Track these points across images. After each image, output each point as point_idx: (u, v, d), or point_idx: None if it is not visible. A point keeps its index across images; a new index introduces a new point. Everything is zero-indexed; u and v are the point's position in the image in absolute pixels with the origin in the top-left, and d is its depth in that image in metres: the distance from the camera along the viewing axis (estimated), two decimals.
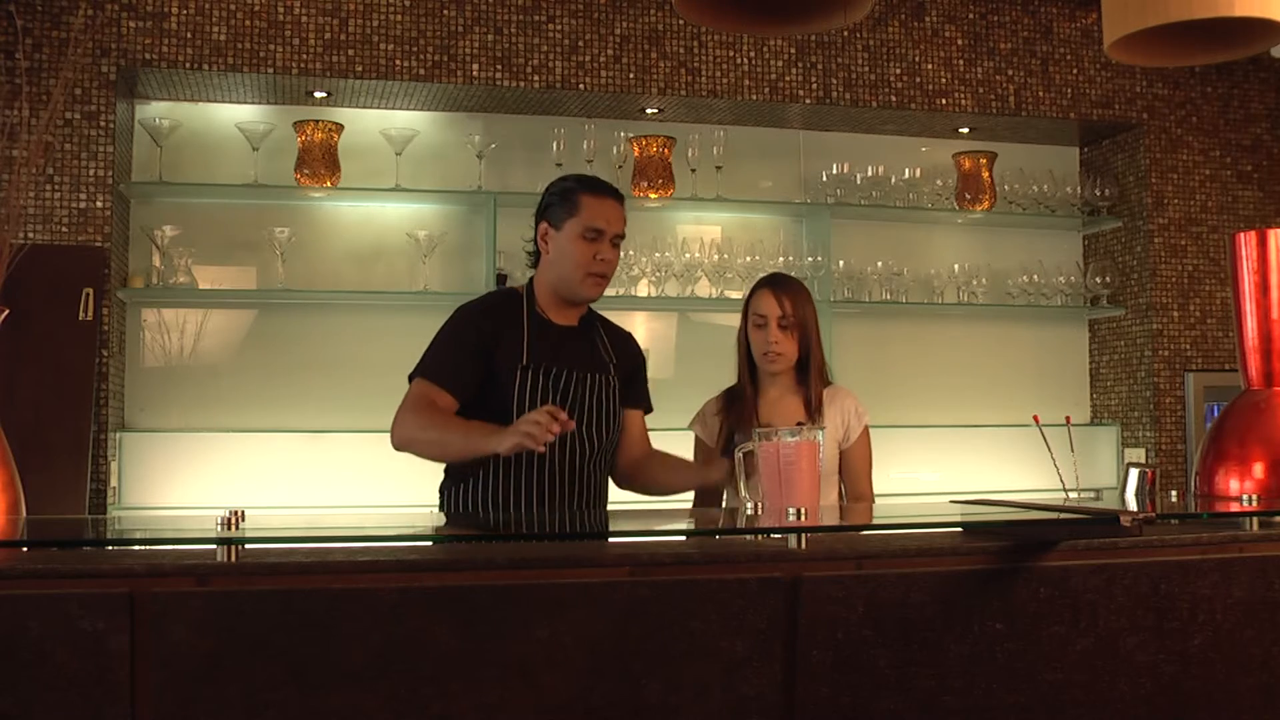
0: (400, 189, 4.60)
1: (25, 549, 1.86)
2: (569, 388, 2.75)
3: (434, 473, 2.92)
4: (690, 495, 3.17)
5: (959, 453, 5.07)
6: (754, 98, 4.68)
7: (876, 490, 3.19)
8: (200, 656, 1.55)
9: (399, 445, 2.72)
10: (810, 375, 3.02)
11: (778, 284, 3.05)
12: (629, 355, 2.96)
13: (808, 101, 4.72)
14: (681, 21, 4.59)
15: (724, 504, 3.03)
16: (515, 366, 2.73)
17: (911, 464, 4.97)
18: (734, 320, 3.21)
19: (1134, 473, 2.57)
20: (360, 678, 1.59)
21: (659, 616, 1.69)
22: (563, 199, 2.79)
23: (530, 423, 2.41)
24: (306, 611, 1.59)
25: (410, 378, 2.79)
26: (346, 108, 4.65)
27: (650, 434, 3.02)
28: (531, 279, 2.88)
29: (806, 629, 1.73)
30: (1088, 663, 1.87)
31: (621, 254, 4.51)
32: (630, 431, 2.94)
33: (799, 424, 2.72)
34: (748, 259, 4.75)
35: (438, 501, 2.91)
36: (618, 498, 3.21)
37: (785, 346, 3.00)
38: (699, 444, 3.13)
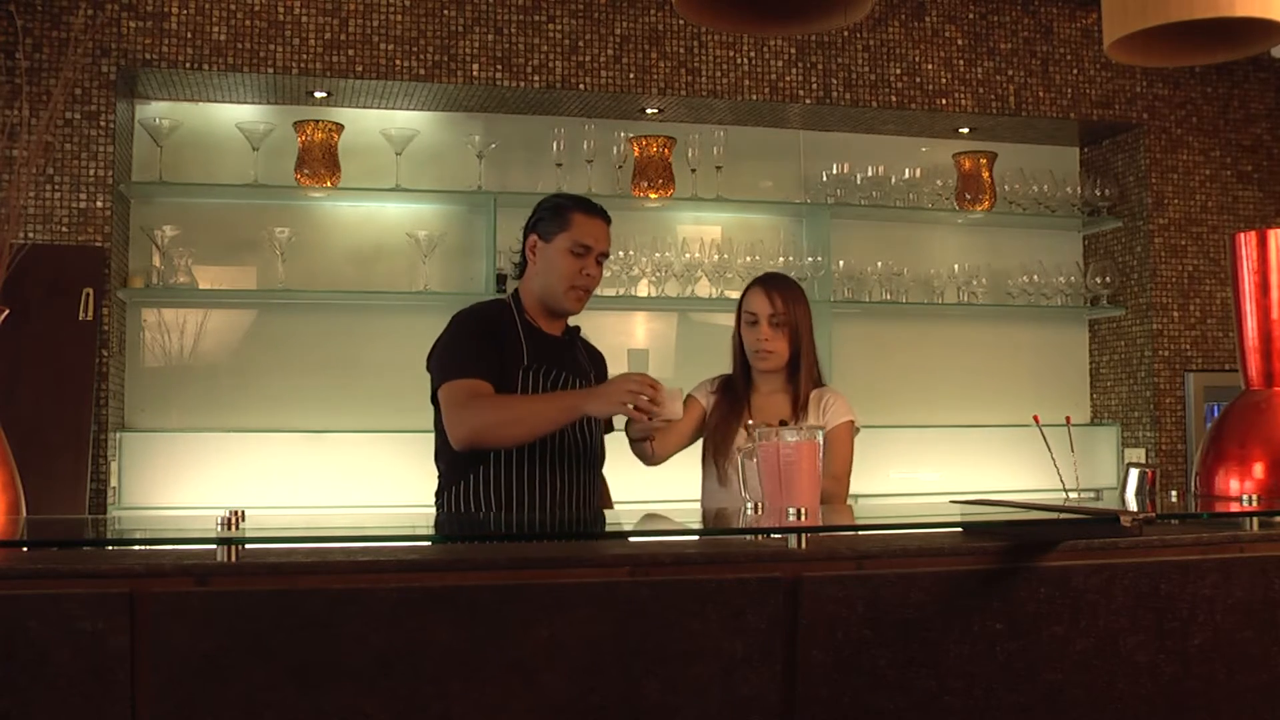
0: (400, 189, 4.60)
1: (25, 549, 1.86)
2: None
3: (434, 473, 2.93)
4: (687, 495, 3.17)
5: (959, 453, 5.07)
6: (754, 98, 4.68)
7: (878, 490, 3.16)
8: (200, 656, 1.55)
9: (469, 438, 2.69)
10: (800, 375, 3.01)
11: (770, 282, 3.06)
12: (604, 374, 3.08)
13: (808, 101, 4.72)
14: (681, 21, 4.59)
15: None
16: (518, 367, 2.79)
17: (911, 464, 4.97)
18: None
19: (1134, 473, 2.57)
20: (360, 678, 1.59)
21: (659, 616, 1.69)
22: (554, 214, 2.89)
23: (626, 391, 2.53)
24: (306, 611, 1.59)
25: (435, 390, 2.79)
26: (346, 108, 4.65)
27: None
28: (516, 290, 2.97)
29: (806, 629, 1.73)
30: (1088, 663, 1.86)
31: (622, 254, 4.59)
32: None
33: (782, 422, 2.69)
34: (748, 259, 4.74)
35: (434, 505, 2.93)
36: (617, 497, 3.22)
37: (775, 345, 3.00)
38: (693, 400, 3.08)
